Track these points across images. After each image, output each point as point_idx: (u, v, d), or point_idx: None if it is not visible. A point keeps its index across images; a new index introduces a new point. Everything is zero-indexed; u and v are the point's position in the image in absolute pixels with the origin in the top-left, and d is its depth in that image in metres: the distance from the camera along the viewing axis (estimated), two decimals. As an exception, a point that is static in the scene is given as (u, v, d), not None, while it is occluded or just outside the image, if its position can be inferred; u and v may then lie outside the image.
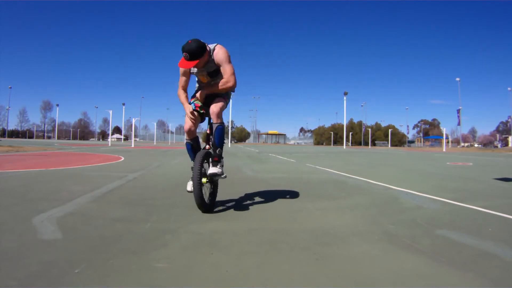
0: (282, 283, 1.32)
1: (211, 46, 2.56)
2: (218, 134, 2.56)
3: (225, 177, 2.58)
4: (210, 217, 2.39)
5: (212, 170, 2.50)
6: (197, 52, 2.38)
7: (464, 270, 1.46)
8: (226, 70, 2.57)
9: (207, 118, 2.74)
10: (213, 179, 2.59)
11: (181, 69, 2.60)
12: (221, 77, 2.60)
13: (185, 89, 2.68)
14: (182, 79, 2.64)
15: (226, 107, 2.68)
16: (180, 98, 2.65)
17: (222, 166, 2.59)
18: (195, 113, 2.57)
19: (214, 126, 2.58)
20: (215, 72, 2.62)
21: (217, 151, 2.57)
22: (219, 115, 2.56)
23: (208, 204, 2.49)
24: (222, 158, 2.62)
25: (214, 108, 2.56)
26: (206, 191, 2.57)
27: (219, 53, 2.54)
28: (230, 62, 2.60)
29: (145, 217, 2.33)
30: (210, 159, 2.57)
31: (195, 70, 2.63)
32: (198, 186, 2.30)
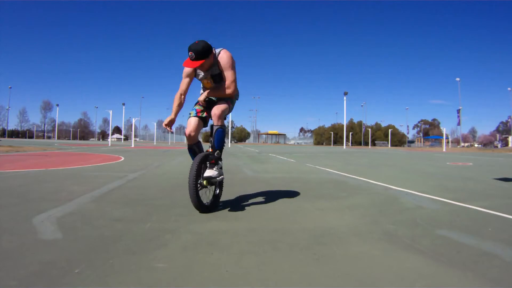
0: (282, 283, 1.32)
1: (217, 50, 2.59)
2: (218, 137, 2.58)
3: (222, 179, 2.58)
4: (210, 217, 2.39)
5: (207, 173, 2.47)
6: (203, 52, 2.40)
7: (464, 270, 1.46)
8: (228, 76, 2.59)
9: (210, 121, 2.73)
10: (211, 182, 2.53)
11: (185, 70, 2.61)
12: (224, 83, 2.62)
13: (184, 93, 2.67)
14: (185, 81, 2.64)
15: (229, 112, 2.68)
16: (174, 103, 2.64)
17: (220, 168, 2.58)
18: (168, 127, 2.63)
19: (214, 128, 2.60)
20: (218, 77, 2.63)
21: (215, 153, 2.56)
22: (220, 117, 2.55)
23: (206, 205, 2.50)
24: (221, 160, 2.61)
25: (216, 110, 2.56)
26: (209, 192, 2.64)
27: (223, 57, 2.57)
28: (233, 68, 2.62)
29: (145, 217, 2.33)
30: (208, 162, 2.54)
31: (201, 74, 2.64)
32: (194, 187, 2.32)
